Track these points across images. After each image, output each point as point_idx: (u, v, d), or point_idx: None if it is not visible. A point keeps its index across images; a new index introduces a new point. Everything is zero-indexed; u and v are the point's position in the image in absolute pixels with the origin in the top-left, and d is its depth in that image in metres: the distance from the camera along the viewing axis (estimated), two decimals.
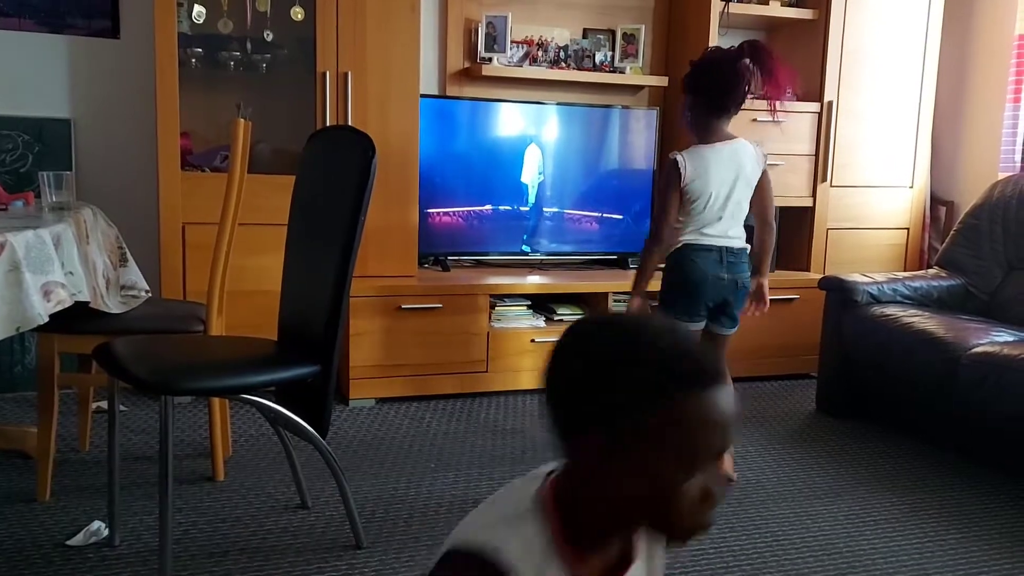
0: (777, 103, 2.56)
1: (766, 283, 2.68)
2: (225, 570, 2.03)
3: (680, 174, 2.49)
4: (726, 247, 2.54)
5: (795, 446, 3.06)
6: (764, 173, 2.60)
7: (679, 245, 2.55)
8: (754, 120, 3.84)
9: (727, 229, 2.55)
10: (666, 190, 2.53)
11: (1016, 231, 3.45)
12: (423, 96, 3.51)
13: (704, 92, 2.51)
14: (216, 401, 2.52)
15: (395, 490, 2.54)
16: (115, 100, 3.40)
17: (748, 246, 2.61)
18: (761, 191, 2.60)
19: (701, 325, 2.60)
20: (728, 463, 2.72)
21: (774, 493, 2.63)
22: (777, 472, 2.81)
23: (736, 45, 2.52)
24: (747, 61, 2.49)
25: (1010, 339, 2.89)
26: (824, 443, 3.11)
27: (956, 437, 3.06)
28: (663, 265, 2.61)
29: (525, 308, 3.57)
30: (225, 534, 2.22)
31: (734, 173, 2.53)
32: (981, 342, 2.86)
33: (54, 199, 2.37)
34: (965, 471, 2.87)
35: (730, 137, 2.56)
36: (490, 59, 3.73)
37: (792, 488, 2.68)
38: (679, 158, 2.50)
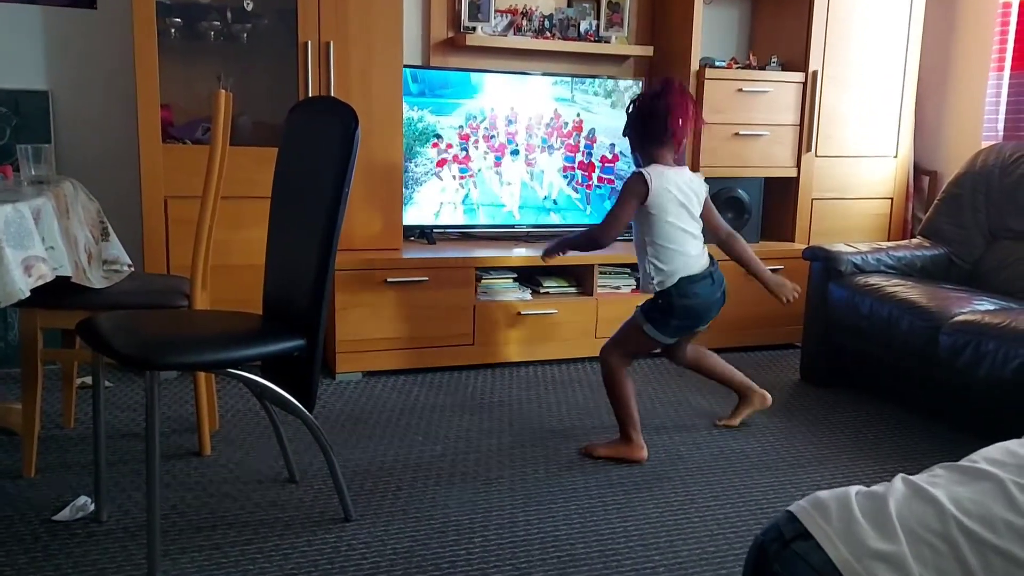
0: (683, 138, 2.68)
1: (770, 275, 2.81)
2: (214, 544, 2.03)
3: (647, 183, 2.55)
4: (712, 271, 2.66)
5: (779, 415, 3.09)
6: (707, 198, 2.74)
7: (675, 281, 2.59)
8: (739, 90, 3.83)
9: (700, 248, 2.67)
10: (627, 199, 2.59)
11: (999, 200, 3.47)
12: (406, 66, 3.48)
13: (647, 133, 2.64)
14: (202, 376, 2.51)
15: (383, 463, 2.55)
16: (93, 71, 3.35)
17: (710, 256, 2.72)
18: (710, 211, 2.75)
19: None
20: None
21: (758, 462, 2.66)
22: (761, 441, 2.84)
23: (658, 85, 2.65)
24: (672, 99, 2.59)
25: (991, 307, 2.92)
26: (808, 412, 3.15)
27: (938, 404, 3.10)
28: (658, 292, 2.66)
29: (511, 281, 3.56)
30: (213, 509, 2.22)
31: (692, 194, 2.65)
32: (963, 311, 2.89)
33: (33, 172, 2.34)
34: (947, 438, 2.92)
35: (675, 163, 2.70)
36: (474, 28, 3.69)
37: (776, 456, 2.71)
38: (644, 171, 2.58)
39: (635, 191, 2.57)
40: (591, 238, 2.67)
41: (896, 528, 0.98)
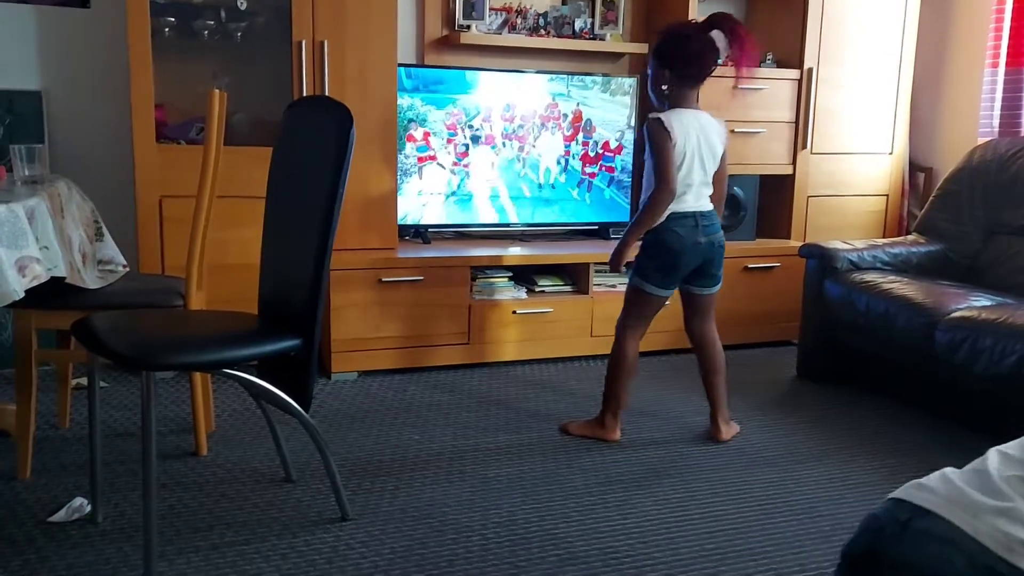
0: (745, 70, 2.63)
1: None
2: (211, 544, 2.02)
3: (669, 133, 2.53)
4: (700, 212, 2.61)
5: (777, 412, 3.09)
6: (724, 152, 2.68)
7: (662, 218, 2.59)
8: (735, 87, 3.83)
9: (700, 196, 2.63)
10: (663, 148, 2.53)
11: (994, 196, 3.47)
12: (401, 65, 3.47)
13: (675, 62, 2.57)
14: (198, 376, 2.50)
15: (380, 462, 2.54)
16: (87, 71, 3.33)
17: (713, 207, 2.67)
18: (721, 168, 2.68)
19: (671, 293, 2.69)
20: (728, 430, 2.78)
21: (757, 458, 2.66)
22: (760, 437, 2.84)
23: (704, 17, 2.57)
24: (716, 32, 2.54)
25: (988, 303, 2.92)
26: (805, 408, 3.15)
27: (934, 400, 3.10)
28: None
29: (507, 279, 3.56)
30: (210, 509, 2.21)
31: (701, 140, 2.59)
32: (959, 307, 2.89)
33: (27, 172, 2.33)
34: (943, 433, 2.92)
35: (697, 107, 2.64)
36: (468, 27, 3.68)
37: (775, 453, 2.71)
38: (663, 118, 2.54)
39: (664, 140, 2.52)
40: (655, 202, 2.54)
41: (1003, 488, 1.02)
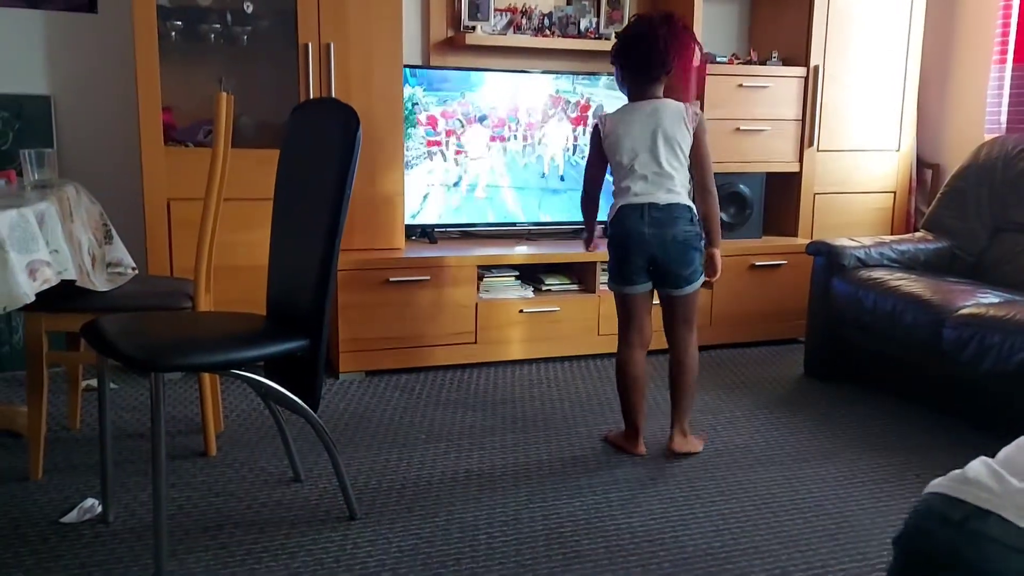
0: (686, 72, 2.71)
1: (716, 252, 2.67)
2: (220, 544, 2.04)
3: (599, 132, 2.64)
4: (649, 203, 2.53)
5: (783, 410, 3.09)
6: (697, 134, 2.59)
7: (614, 212, 2.60)
8: (740, 86, 3.83)
9: (654, 189, 2.54)
10: (590, 149, 2.72)
11: (1002, 193, 3.46)
12: (407, 66, 3.48)
13: (615, 58, 2.64)
14: (207, 377, 2.52)
15: (387, 461, 2.56)
16: (95, 75, 3.36)
17: (687, 203, 2.56)
18: (695, 152, 2.59)
19: (641, 289, 2.59)
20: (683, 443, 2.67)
21: (763, 457, 2.66)
22: (766, 436, 2.84)
23: (658, 14, 2.60)
24: (662, 29, 2.55)
25: (995, 300, 2.91)
26: (812, 406, 3.15)
27: (942, 398, 3.10)
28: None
29: (513, 279, 3.57)
30: (219, 509, 2.23)
31: (651, 129, 2.55)
32: (967, 304, 2.88)
33: (36, 177, 2.35)
34: (951, 431, 2.91)
35: (655, 98, 2.61)
36: (473, 28, 3.69)
37: (781, 452, 2.71)
38: (600, 117, 2.65)
39: (592, 138, 2.69)
40: (582, 203, 2.80)
41: None
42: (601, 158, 2.66)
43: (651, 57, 2.55)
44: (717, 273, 2.70)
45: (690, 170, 2.62)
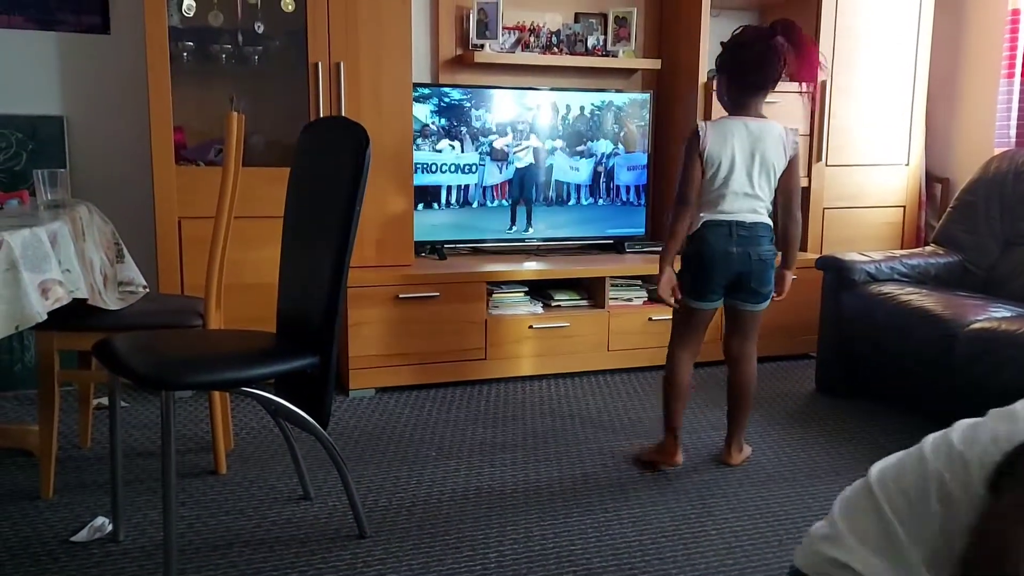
0: (804, 84, 2.57)
1: (788, 274, 2.69)
2: (230, 562, 2.04)
3: (700, 139, 2.50)
4: (736, 221, 2.52)
5: (795, 426, 3.08)
6: (792, 160, 2.56)
7: (698, 225, 2.55)
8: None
9: (742, 206, 2.52)
10: (687, 155, 2.53)
11: (1012, 206, 3.45)
12: (416, 84, 3.50)
13: (733, 70, 2.53)
14: (217, 395, 2.52)
15: (397, 479, 2.55)
16: (107, 96, 3.39)
17: (768, 222, 2.56)
18: (787, 177, 2.57)
19: (714, 305, 2.61)
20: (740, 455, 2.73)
21: (774, 473, 2.65)
22: (778, 452, 2.82)
23: (768, 24, 2.52)
24: (780, 39, 2.48)
25: (1008, 314, 2.90)
26: (824, 422, 3.13)
27: (955, 413, 3.06)
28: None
29: (523, 294, 3.57)
30: (229, 527, 2.23)
31: (751, 149, 2.51)
32: (979, 318, 2.87)
33: (49, 197, 2.37)
34: None
35: (760, 116, 2.56)
36: (482, 46, 3.71)
37: (793, 468, 2.69)
38: (701, 124, 2.53)
39: (691, 146, 2.51)
40: (671, 215, 2.55)
41: (835, 517, 1.15)
42: (699, 165, 2.52)
43: (766, 70, 2.48)
44: (785, 292, 2.71)
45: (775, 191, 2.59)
